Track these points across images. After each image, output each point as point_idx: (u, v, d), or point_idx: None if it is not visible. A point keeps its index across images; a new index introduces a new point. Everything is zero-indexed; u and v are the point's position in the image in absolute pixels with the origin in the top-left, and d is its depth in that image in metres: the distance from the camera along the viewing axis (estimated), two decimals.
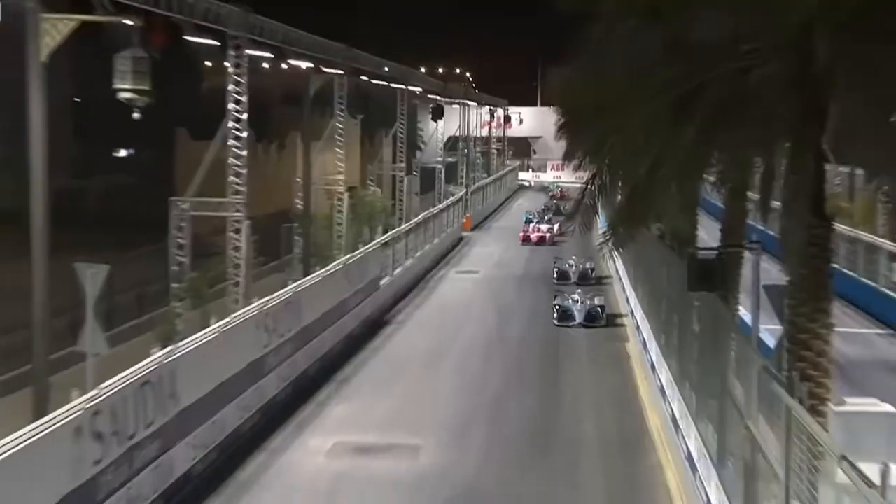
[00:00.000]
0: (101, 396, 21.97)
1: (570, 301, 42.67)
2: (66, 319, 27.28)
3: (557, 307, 43.81)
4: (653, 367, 37.99)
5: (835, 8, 17.36)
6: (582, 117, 25.31)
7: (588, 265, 60.76)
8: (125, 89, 28.25)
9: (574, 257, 57.69)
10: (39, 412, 22.72)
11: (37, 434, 19.65)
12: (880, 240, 45.87)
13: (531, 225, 79.33)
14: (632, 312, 47.97)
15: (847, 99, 18.09)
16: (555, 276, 59.42)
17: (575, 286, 55.64)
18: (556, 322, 42.79)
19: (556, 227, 77.01)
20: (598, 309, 46.01)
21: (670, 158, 19.58)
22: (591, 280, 58.94)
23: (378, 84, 64.68)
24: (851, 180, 27.97)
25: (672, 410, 30.60)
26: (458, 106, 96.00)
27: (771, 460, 16.64)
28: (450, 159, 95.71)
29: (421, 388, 38.36)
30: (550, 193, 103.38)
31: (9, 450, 18.47)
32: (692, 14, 18.57)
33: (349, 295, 46.24)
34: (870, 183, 27.99)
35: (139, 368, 23.97)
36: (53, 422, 20.56)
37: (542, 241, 75.66)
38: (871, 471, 11.85)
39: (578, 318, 40.89)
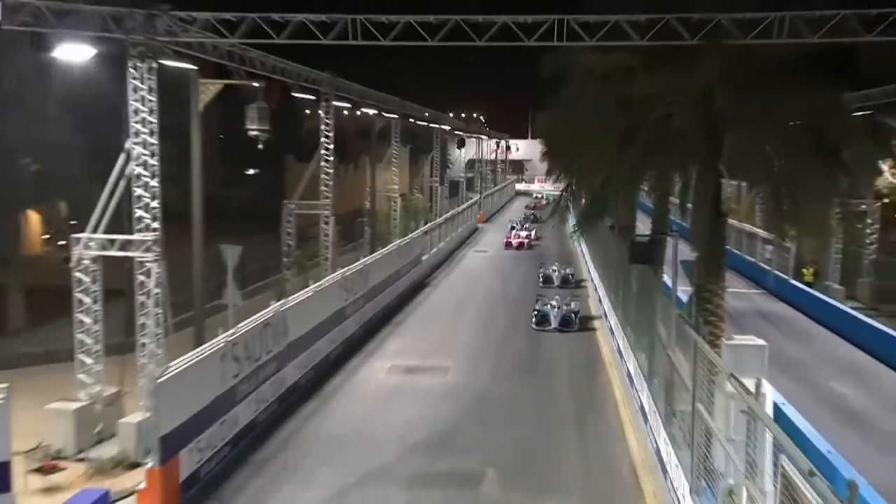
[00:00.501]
0: (237, 333, 22.70)
1: (549, 307, 38.17)
2: (215, 282, 27.97)
3: (536, 312, 36.82)
4: (605, 315, 38.22)
5: (727, 78, 18.36)
6: (558, 147, 26.22)
7: (569, 271, 50.40)
8: (253, 129, 29.08)
9: (557, 264, 48.89)
10: (198, 343, 23.56)
11: (197, 357, 20.50)
12: (756, 229, 46.13)
13: (513, 232, 69.43)
14: (591, 278, 47.57)
15: (735, 136, 18.95)
16: (540, 280, 48.95)
17: (558, 288, 46.06)
18: (534, 326, 35.96)
19: (533, 232, 71.91)
20: (573, 314, 36.93)
21: (617, 175, 20.47)
22: (572, 284, 48.30)
23: (421, 124, 66.18)
24: (739, 190, 28.43)
25: (618, 345, 31.43)
26: (474, 138, 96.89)
27: (683, 377, 17.62)
28: (469, 175, 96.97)
29: (449, 328, 37.95)
30: (526, 205, 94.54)
31: (181, 366, 19.35)
32: (633, 79, 19.44)
33: (401, 266, 45.86)
34: (750, 192, 28.19)
35: (262, 315, 24.76)
36: (207, 349, 21.30)
37: (521, 246, 65.83)
38: (749, 383, 13.12)
39: (554, 323, 36.81)
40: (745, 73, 18.90)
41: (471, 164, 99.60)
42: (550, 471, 21.36)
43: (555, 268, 49.92)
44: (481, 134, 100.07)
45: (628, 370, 27.34)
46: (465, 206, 77.94)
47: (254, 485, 20.33)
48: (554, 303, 37.40)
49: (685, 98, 18.70)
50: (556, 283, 47.39)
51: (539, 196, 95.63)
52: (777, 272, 46.08)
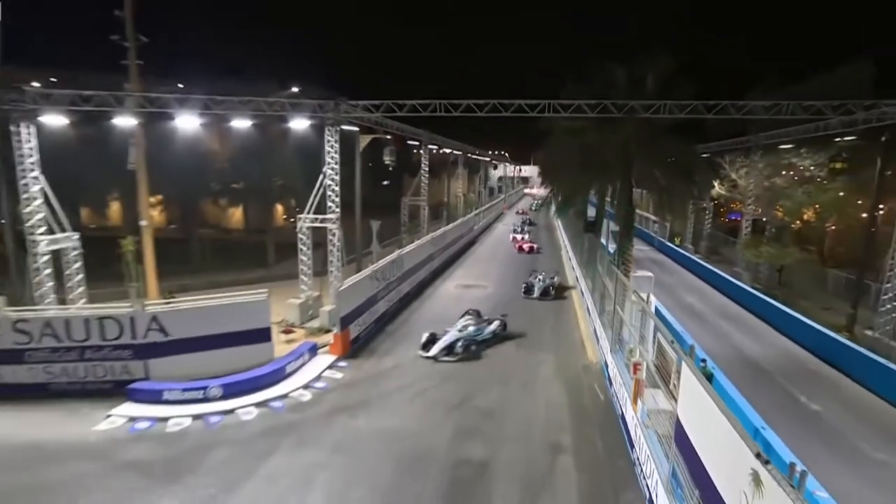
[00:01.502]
0: (378, 266, 22.84)
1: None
2: (367, 240, 28.15)
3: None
4: (570, 259, 37.34)
5: (636, 134, 18.26)
6: (546, 169, 25.87)
7: (553, 281, 30.44)
8: (387, 160, 29.23)
9: (543, 273, 30.99)
10: (358, 270, 23.69)
11: (357, 278, 20.77)
12: (649, 215, 45.36)
13: (518, 236, 47.67)
14: (563, 244, 46.84)
15: (639, 165, 18.83)
16: (522, 290, 29.78)
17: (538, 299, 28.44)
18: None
19: (529, 235, 49.51)
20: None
21: (577, 185, 20.26)
22: (550, 296, 28.58)
23: (474, 157, 65.49)
24: (641, 194, 28.18)
25: (576, 276, 30.78)
26: (502, 164, 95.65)
27: (609, 292, 17.48)
28: (499, 184, 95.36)
29: (487, 266, 36.08)
30: (517, 211, 76.74)
31: (350, 283, 19.65)
32: (586, 133, 19.26)
33: (463, 232, 43.60)
34: (647, 195, 28.16)
35: (390, 257, 24.64)
36: (362, 274, 21.49)
37: (531, 250, 43.10)
38: (643, 296, 13.04)
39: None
40: (645, 131, 18.72)
41: (500, 178, 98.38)
42: (539, 339, 21.48)
43: (541, 276, 31.15)
44: (506, 162, 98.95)
45: (581, 289, 27.15)
46: (495, 201, 77.01)
47: (386, 342, 20.70)
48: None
49: (613, 144, 18.53)
50: (536, 294, 28.90)
51: (535, 200, 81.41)
52: (660, 238, 45.68)
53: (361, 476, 11.77)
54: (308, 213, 22.39)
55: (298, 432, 13.74)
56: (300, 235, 22.81)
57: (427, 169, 37.97)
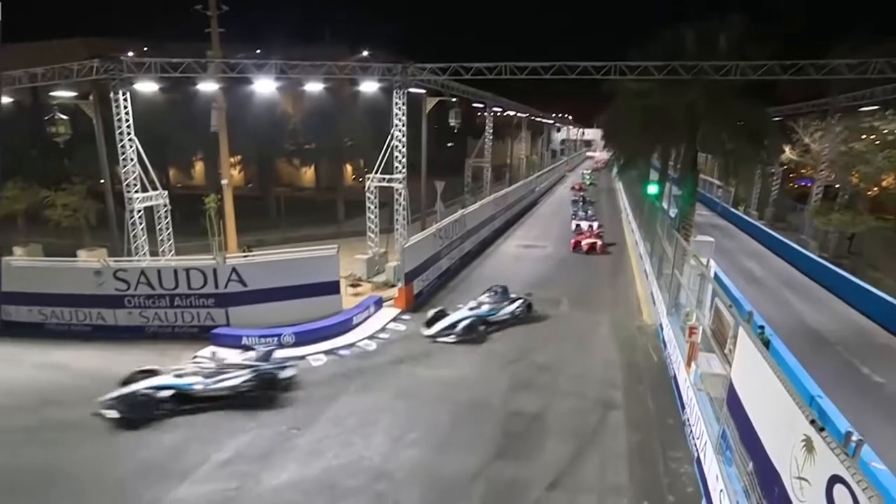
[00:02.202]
0: (441, 225, 22.90)
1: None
2: (431, 200, 28.18)
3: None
4: (630, 222, 36.33)
5: (704, 96, 17.21)
6: (609, 132, 25.06)
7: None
8: (452, 122, 28.78)
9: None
10: (422, 229, 23.85)
11: (422, 236, 20.93)
12: (713, 179, 43.33)
13: (583, 224, 32.87)
14: (623, 207, 45.47)
15: (705, 129, 17.88)
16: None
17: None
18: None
19: (595, 225, 32.70)
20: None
21: (640, 148, 19.56)
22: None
23: (538, 120, 63.69)
24: (706, 157, 26.74)
25: (636, 238, 30.01)
26: (565, 127, 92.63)
27: (668, 255, 16.97)
28: (561, 147, 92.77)
29: (546, 227, 35.83)
30: (572, 187, 56.44)
31: (414, 240, 19.82)
32: (651, 96, 18.43)
33: (525, 193, 42.81)
34: (712, 159, 26.69)
35: (453, 216, 24.65)
36: (427, 233, 21.67)
37: (597, 249, 28.89)
38: (703, 260, 12.55)
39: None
40: (713, 93, 17.67)
41: (563, 141, 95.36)
42: (595, 299, 21.23)
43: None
44: (569, 124, 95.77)
45: (640, 252, 26.49)
46: (557, 163, 74.99)
47: (448, 297, 20.90)
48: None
49: (679, 106, 17.66)
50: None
51: (590, 172, 67.77)
52: (723, 203, 43.65)
53: (420, 421, 12.11)
54: (376, 172, 22.66)
55: (363, 378, 14.23)
56: (368, 194, 23.14)
57: (491, 131, 37.41)
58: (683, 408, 11.87)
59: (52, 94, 21.03)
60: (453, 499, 9.60)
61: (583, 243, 28.95)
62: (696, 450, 10.21)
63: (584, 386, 13.82)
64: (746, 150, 17.58)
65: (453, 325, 16.80)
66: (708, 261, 15.73)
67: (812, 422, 6.11)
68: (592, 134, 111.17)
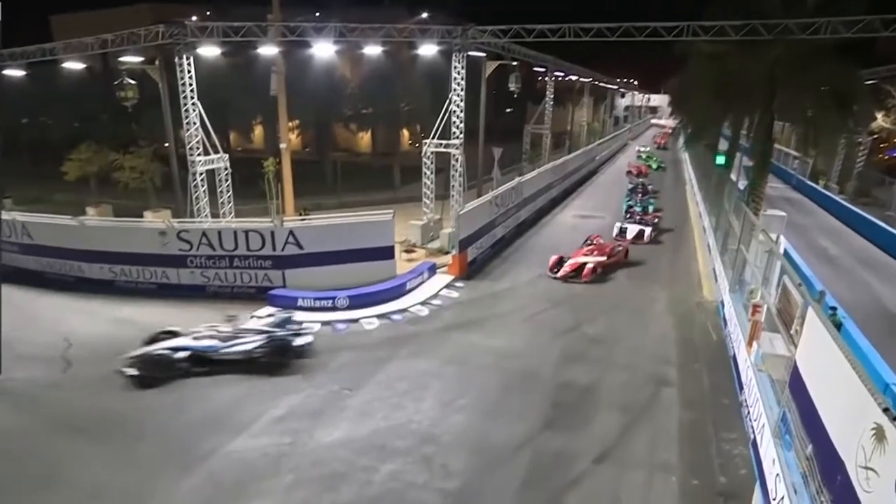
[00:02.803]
0: (497, 192, 22.70)
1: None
2: (488, 167, 27.78)
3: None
4: (696, 194, 34.88)
5: (785, 58, 16.16)
6: (678, 99, 23.98)
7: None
8: (512, 87, 28.13)
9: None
10: (478, 196, 23.52)
11: (478, 203, 20.78)
12: (788, 150, 40.85)
13: (620, 227, 25.24)
14: (688, 178, 43.66)
15: (784, 94, 16.79)
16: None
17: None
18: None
19: (647, 232, 25.26)
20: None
21: (710, 115, 18.67)
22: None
23: (601, 85, 61.33)
24: (782, 126, 25.04)
25: (699, 209, 28.80)
26: (629, 93, 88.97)
27: (735, 230, 16.27)
28: (625, 113, 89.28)
29: (605, 196, 34.49)
30: (627, 170, 43.95)
31: (470, 207, 19.74)
32: (726, 58, 17.48)
33: (584, 162, 41.46)
34: (790, 127, 25.20)
35: (510, 183, 24.42)
36: (483, 200, 21.47)
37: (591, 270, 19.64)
38: (773, 236, 12.08)
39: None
40: (797, 55, 16.48)
41: (627, 108, 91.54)
42: (653, 273, 20.70)
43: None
44: (634, 90, 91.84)
45: (703, 226, 25.49)
46: (620, 131, 72.23)
47: (501, 266, 20.92)
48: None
49: (757, 69, 16.65)
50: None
51: (639, 156, 54.47)
52: (798, 175, 41.16)
53: (469, 387, 12.25)
54: (433, 138, 22.60)
55: (415, 343, 14.48)
56: (425, 160, 23.14)
57: (552, 96, 36.51)
58: (741, 388, 11.51)
59: (121, 59, 21.81)
60: (499, 466, 9.72)
61: (567, 264, 19.81)
62: (753, 432, 9.92)
63: (638, 361, 13.60)
64: (831, 117, 16.32)
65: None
66: (778, 236, 14.99)
67: (885, 410, 5.80)
68: (659, 100, 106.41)
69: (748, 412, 10.57)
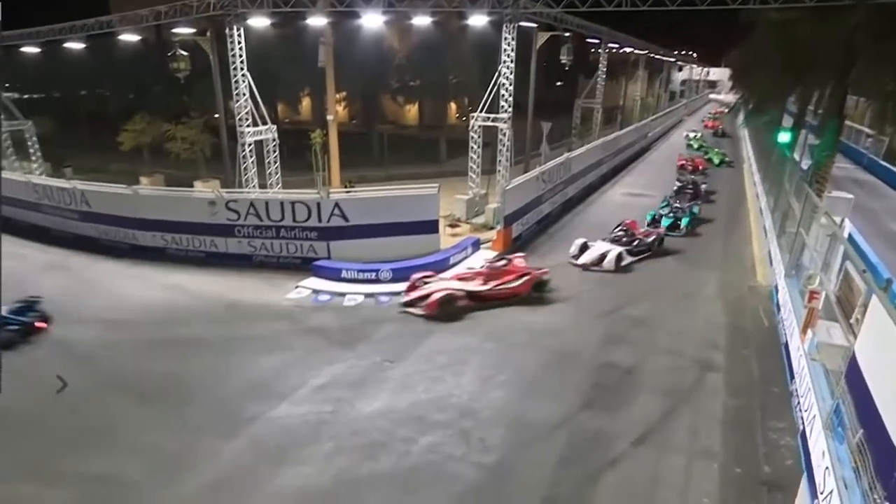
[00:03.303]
0: (545, 168, 22.43)
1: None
2: (536, 141, 27.37)
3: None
4: (753, 173, 33.49)
5: (865, 26, 15.10)
6: (741, 72, 23.03)
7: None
8: (563, 59, 27.52)
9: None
10: (525, 171, 23.44)
11: (524, 179, 20.65)
12: (862, 127, 38.58)
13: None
14: (747, 157, 41.80)
15: (861, 66, 15.82)
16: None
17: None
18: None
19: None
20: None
21: (775, 89, 17.84)
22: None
23: (657, 57, 58.80)
24: (856, 101, 23.52)
25: (756, 190, 27.63)
26: (687, 66, 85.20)
27: (795, 212, 15.63)
28: (681, 88, 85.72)
29: (657, 174, 33.26)
30: (679, 163, 34.03)
31: (516, 182, 19.59)
32: (796, 27, 16.58)
33: (636, 138, 40.36)
34: (864, 103, 23.75)
35: (558, 159, 23.94)
36: (529, 175, 21.35)
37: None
38: (837, 219, 11.58)
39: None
40: (878, 21, 15.37)
41: (684, 82, 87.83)
42: (703, 255, 20.13)
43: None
44: (692, 63, 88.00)
45: (760, 207, 24.51)
46: (675, 106, 69.59)
47: (546, 243, 20.75)
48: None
49: (831, 38, 15.72)
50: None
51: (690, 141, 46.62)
52: (871, 155, 38.81)
53: (509, 364, 12.28)
54: (481, 111, 22.40)
55: (456, 318, 14.49)
56: (472, 133, 23.00)
57: (605, 69, 35.51)
58: (792, 377, 11.15)
59: (174, 31, 22.32)
60: (537, 443, 9.76)
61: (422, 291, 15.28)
62: (803, 423, 9.62)
63: (683, 344, 13.32)
64: None
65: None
66: (842, 220, 14.34)
67: None
68: (718, 74, 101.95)
69: (798, 402, 10.25)
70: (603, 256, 18.09)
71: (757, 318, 14.85)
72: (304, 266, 17.31)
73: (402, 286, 16.14)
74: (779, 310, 14.28)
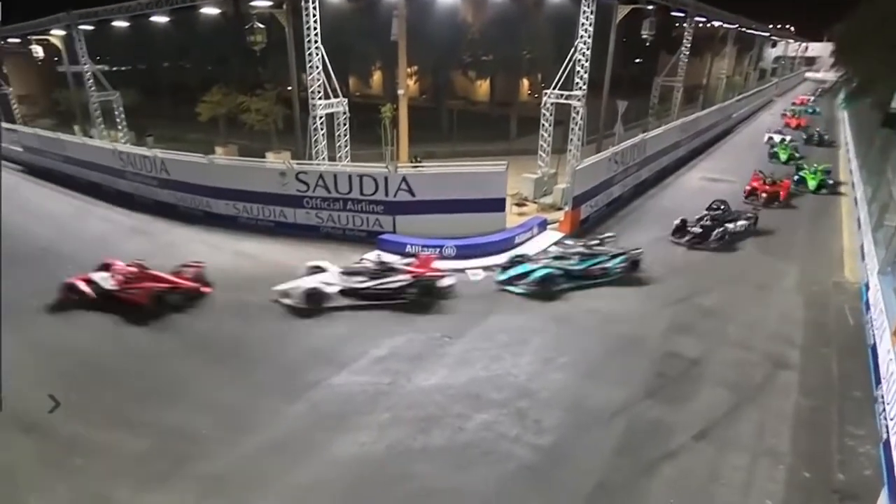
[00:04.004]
0: (618, 149, 21.89)
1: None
2: (610, 121, 26.48)
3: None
4: (850, 159, 31.24)
5: None
6: (845, 47, 21.40)
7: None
8: (645, 34, 26.39)
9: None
10: (597, 151, 22.93)
11: (596, 159, 20.30)
12: None
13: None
14: (844, 141, 38.95)
15: None
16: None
17: None
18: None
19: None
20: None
21: (886, 65, 16.48)
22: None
23: (748, 32, 55.22)
24: None
25: (854, 180, 25.71)
26: (782, 41, 79.17)
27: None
28: (774, 66, 79.92)
29: (738, 158, 31.47)
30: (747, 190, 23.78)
31: (587, 163, 19.27)
32: None
33: (719, 119, 38.77)
34: None
35: (633, 140, 23.33)
36: (602, 156, 20.93)
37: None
38: None
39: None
40: None
41: (777, 58, 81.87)
42: (785, 245, 19.16)
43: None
44: (788, 38, 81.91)
45: (856, 197, 22.96)
46: (765, 86, 65.08)
47: (615, 227, 20.16)
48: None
49: None
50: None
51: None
52: None
53: (571, 347, 12.26)
54: (554, 88, 22.02)
55: (519, 298, 14.60)
56: (543, 111, 22.67)
57: (689, 45, 33.92)
58: (878, 382, 10.56)
59: (252, 3, 23.03)
60: (594, 428, 9.75)
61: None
62: (887, 431, 9.16)
63: (755, 338, 12.82)
64: None
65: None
66: None
67: None
68: (819, 49, 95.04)
69: (883, 409, 9.75)
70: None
71: (841, 316, 14.07)
72: (370, 239, 17.80)
73: (465, 263, 16.39)
74: (868, 309, 13.48)
